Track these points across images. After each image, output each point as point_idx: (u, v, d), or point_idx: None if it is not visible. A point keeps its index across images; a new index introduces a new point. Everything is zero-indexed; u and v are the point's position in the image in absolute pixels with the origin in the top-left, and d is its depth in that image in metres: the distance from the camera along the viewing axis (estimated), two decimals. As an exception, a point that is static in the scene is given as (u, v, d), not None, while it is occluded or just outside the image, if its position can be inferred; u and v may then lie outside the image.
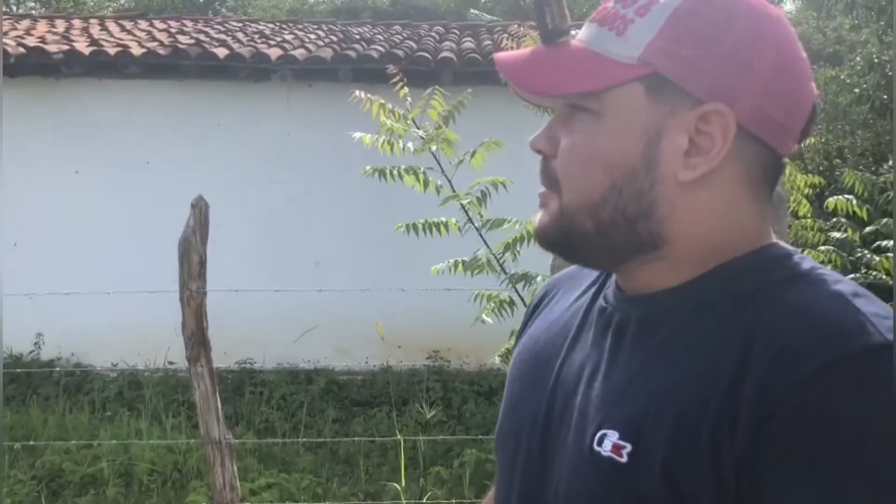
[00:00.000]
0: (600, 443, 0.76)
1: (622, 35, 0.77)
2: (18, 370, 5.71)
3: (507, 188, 2.44)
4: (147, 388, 5.60)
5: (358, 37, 7.92)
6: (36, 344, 6.30)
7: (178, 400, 5.39)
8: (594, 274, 0.94)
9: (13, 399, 5.62)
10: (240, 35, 7.79)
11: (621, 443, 0.74)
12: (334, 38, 7.73)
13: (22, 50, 6.32)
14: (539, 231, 0.85)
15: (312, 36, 7.90)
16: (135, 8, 16.64)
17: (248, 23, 9.57)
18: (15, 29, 8.01)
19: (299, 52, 6.53)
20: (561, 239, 0.83)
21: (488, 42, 7.51)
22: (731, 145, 0.76)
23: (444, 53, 6.75)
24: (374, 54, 6.55)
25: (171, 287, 3.25)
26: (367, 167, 2.43)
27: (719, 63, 0.75)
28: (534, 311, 1.02)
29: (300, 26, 9.07)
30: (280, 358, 6.23)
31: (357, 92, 2.48)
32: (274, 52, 6.49)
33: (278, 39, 7.39)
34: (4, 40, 6.64)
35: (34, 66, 6.33)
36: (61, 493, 4.20)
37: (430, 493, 4.07)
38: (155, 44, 6.77)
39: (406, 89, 2.53)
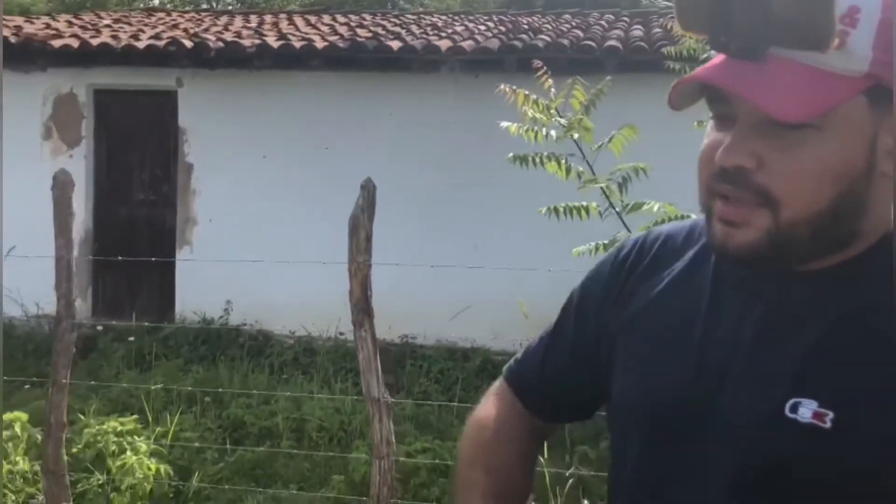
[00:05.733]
0: (794, 410, 0.80)
1: (842, 48, 0.77)
2: (208, 332, 6.37)
3: (647, 174, 2.56)
4: (319, 355, 6.09)
5: (526, 27, 8.10)
6: (225, 310, 6.98)
7: (347, 367, 5.83)
8: (693, 238, 0.97)
9: (205, 358, 6.28)
10: (414, 28, 8.17)
11: (822, 410, 0.78)
12: (503, 29, 7.94)
13: (220, 44, 6.99)
14: (742, 249, 0.82)
15: (483, 27, 8.15)
16: (319, 3, 17.63)
17: (423, 16, 10.00)
18: (215, 25, 8.82)
19: (467, 44, 6.80)
20: (770, 253, 0.82)
21: (658, 29, 7.46)
22: None
23: (611, 42, 6.79)
24: (540, 44, 6.71)
25: (344, 261, 3.58)
26: (511, 154, 2.63)
27: None
28: (629, 274, 1.01)
29: (472, 18, 9.38)
30: (439, 335, 6.56)
31: (502, 85, 2.67)
32: (444, 44, 6.79)
33: (449, 31, 7.70)
34: (206, 35, 7.35)
35: (230, 59, 6.97)
36: (242, 441, 4.71)
37: (573, 470, 4.23)
38: (336, 37, 7.26)
39: (550, 80, 2.70)
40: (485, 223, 6.68)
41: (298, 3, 20.39)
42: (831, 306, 0.83)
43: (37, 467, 3.92)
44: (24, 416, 4.08)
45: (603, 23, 8.37)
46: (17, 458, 4.00)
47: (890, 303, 0.80)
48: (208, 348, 6.46)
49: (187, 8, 17.27)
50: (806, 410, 0.79)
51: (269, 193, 7.00)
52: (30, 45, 7.18)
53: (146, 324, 6.39)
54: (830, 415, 0.78)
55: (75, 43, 7.15)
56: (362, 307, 3.20)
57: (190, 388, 5.20)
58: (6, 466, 3.96)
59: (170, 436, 4.39)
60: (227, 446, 4.52)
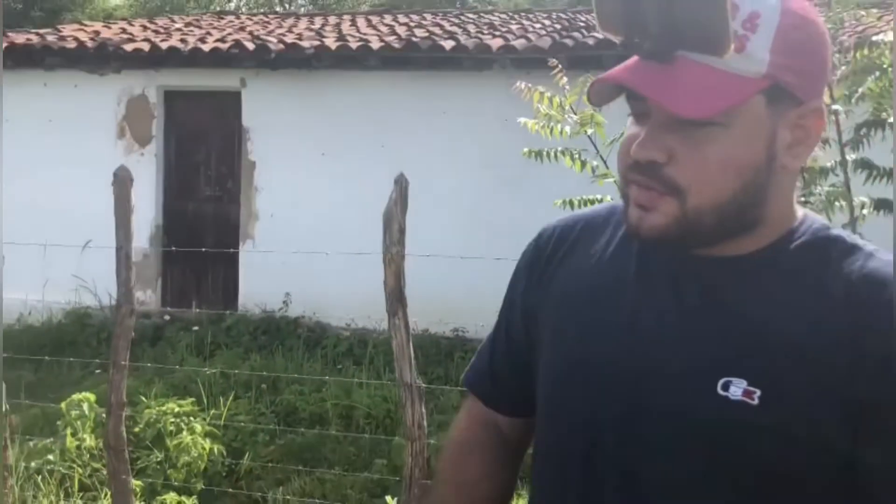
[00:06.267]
0: (726, 388, 0.86)
1: (742, 51, 0.84)
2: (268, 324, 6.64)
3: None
4: (371, 347, 6.28)
5: (582, 24, 8.14)
6: (284, 302, 7.25)
7: (397, 358, 5.99)
8: (612, 221, 1.03)
9: (264, 348, 6.55)
10: (470, 27, 8.30)
11: (751, 388, 0.86)
12: (557, 27, 8.01)
13: (281, 46, 7.25)
14: (653, 230, 0.90)
15: (538, 25, 8.23)
16: (388, 3, 17.91)
17: (483, 14, 10.12)
18: (280, 27, 9.12)
19: (519, 42, 6.89)
20: (680, 236, 0.90)
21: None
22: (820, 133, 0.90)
23: (663, 39, 6.79)
24: (591, 41, 6.76)
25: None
26: (525, 149, 2.74)
27: (816, 68, 0.89)
28: (552, 255, 1.07)
29: (531, 16, 9.46)
30: (490, 329, 6.68)
31: (519, 82, 2.78)
32: (496, 43, 6.90)
33: (504, 30, 7.81)
34: (268, 38, 7.63)
35: (290, 60, 7.23)
36: (294, 425, 4.93)
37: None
38: (392, 38, 7.45)
39: (565, 78, 2.80)
40: (536, 219, 6.72)
41: (368, 3, 20.78)
42: (754, 292, 0.90)
43: (102, 444, 4.20)
44: (91, 397, 4.38)
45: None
46: (85, 436, 4.30)
47: (805, 291, 0.88)
48: (268, 338, 6.73)
49: (261, 10, 17.80)
50: (737, 389, 0.86)
51: (327, 189, 7.23)
52: (104, 49, 7.59)
53: (206, 312, 6.69)
54: (758, 392, 0.85)
55: (146, 46, 7.52)
56: (396, 296, 3.36)
57: (242, 372, 5.44)
58: (75, 442, 4.26)
59: (223, 418, 4.63)
60: (277, 427, 4.74)
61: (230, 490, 4.25)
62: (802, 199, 2.57)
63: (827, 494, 0.87)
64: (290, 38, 7.56)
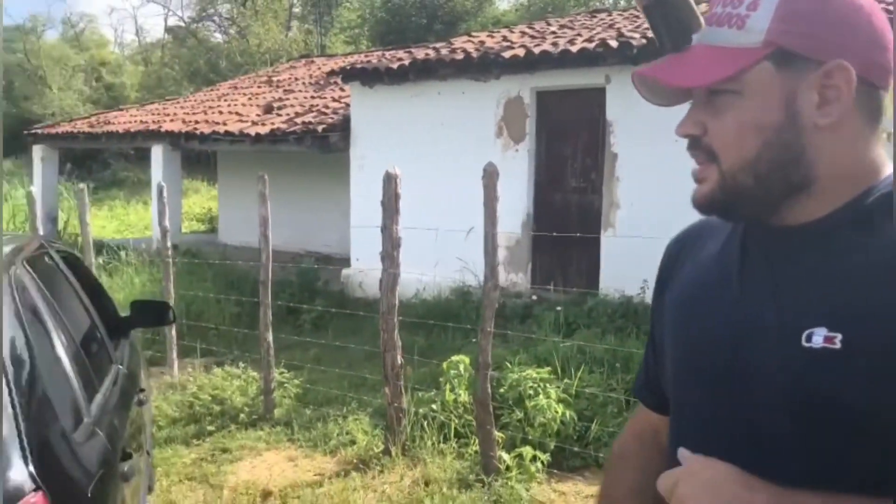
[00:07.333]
0: (809, 339, 0.92)
1: (742, 28, 0.97)
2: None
3: None
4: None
5: None
6: (642, 289, 7.55)
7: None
8: (726, 228, 1.11)
9: (620, 331, 6.93)
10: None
11: (832, 334, 0.91)
12: None
13: (643, 41, 7.52)
14: (703, 198, 1.02)
15: None
16: None
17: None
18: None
19: None
20: (725, 200, 1.00)
21: None
22: (853, 91, 0.94)
23: None
24: None
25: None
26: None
27: (827, 30, 0.95)
28: (675, 260, 1.20)
29: None
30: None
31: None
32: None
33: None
34: (633, 33, 7.95)
35: (651, 53, 7.46)
36: (641, 401, 5.25)
37: None
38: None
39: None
40: None
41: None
42: (829, 249, 0.96)
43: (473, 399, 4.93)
44: (467, 359, 5.15)
45: None
46: (460, 391, 5.07)
47: (880, 238, 0.93)
48: (625, 322, 7.10)
49: (632, 5, 18.09)
50: (818, 338, 0.91)
51: (684, 178, 7.34)
52: (487, 58, 8.53)
53: (569, 294, 7.21)
54: (839, 336, 0.90)
55: (521, 52, 8.30)
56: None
57: (597, 346, 5.88)
58: (452, 396, 5.05)
59: (574, 387, 5.11)
60: (628, 400, 5.08)
61: (578, 451, 4.72)
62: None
63: None
64: (651, 33, 7.78)
